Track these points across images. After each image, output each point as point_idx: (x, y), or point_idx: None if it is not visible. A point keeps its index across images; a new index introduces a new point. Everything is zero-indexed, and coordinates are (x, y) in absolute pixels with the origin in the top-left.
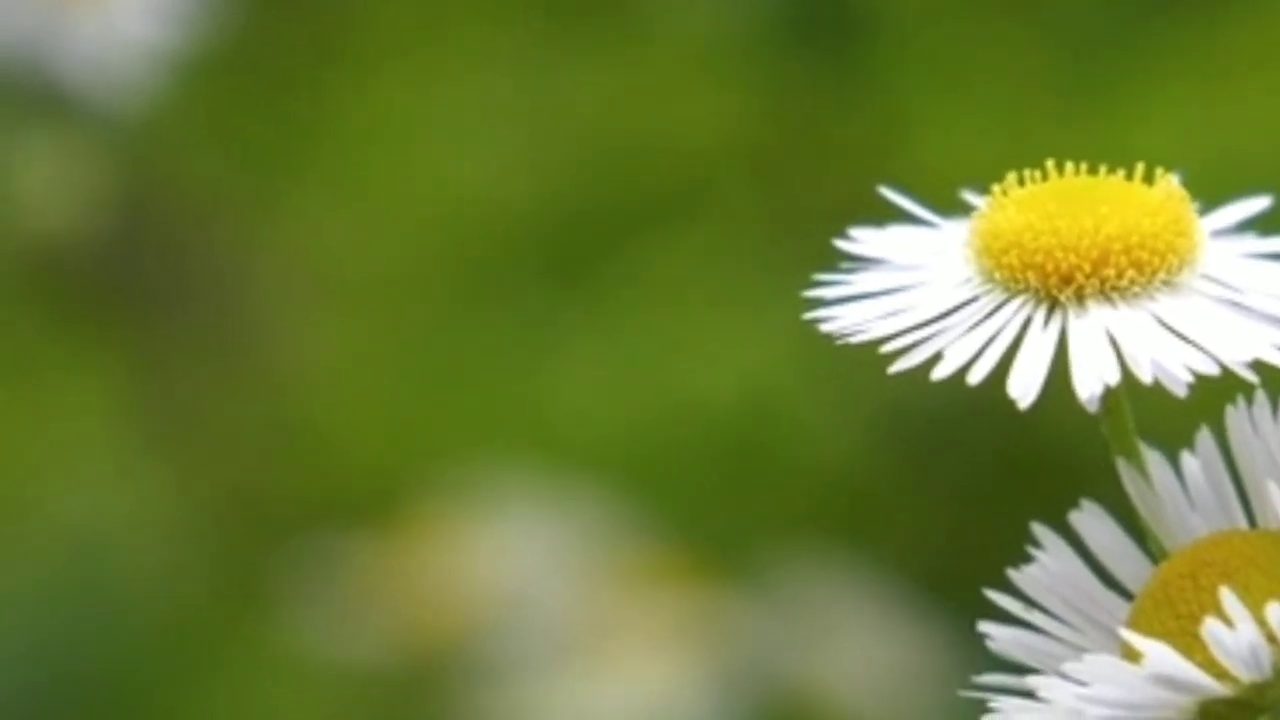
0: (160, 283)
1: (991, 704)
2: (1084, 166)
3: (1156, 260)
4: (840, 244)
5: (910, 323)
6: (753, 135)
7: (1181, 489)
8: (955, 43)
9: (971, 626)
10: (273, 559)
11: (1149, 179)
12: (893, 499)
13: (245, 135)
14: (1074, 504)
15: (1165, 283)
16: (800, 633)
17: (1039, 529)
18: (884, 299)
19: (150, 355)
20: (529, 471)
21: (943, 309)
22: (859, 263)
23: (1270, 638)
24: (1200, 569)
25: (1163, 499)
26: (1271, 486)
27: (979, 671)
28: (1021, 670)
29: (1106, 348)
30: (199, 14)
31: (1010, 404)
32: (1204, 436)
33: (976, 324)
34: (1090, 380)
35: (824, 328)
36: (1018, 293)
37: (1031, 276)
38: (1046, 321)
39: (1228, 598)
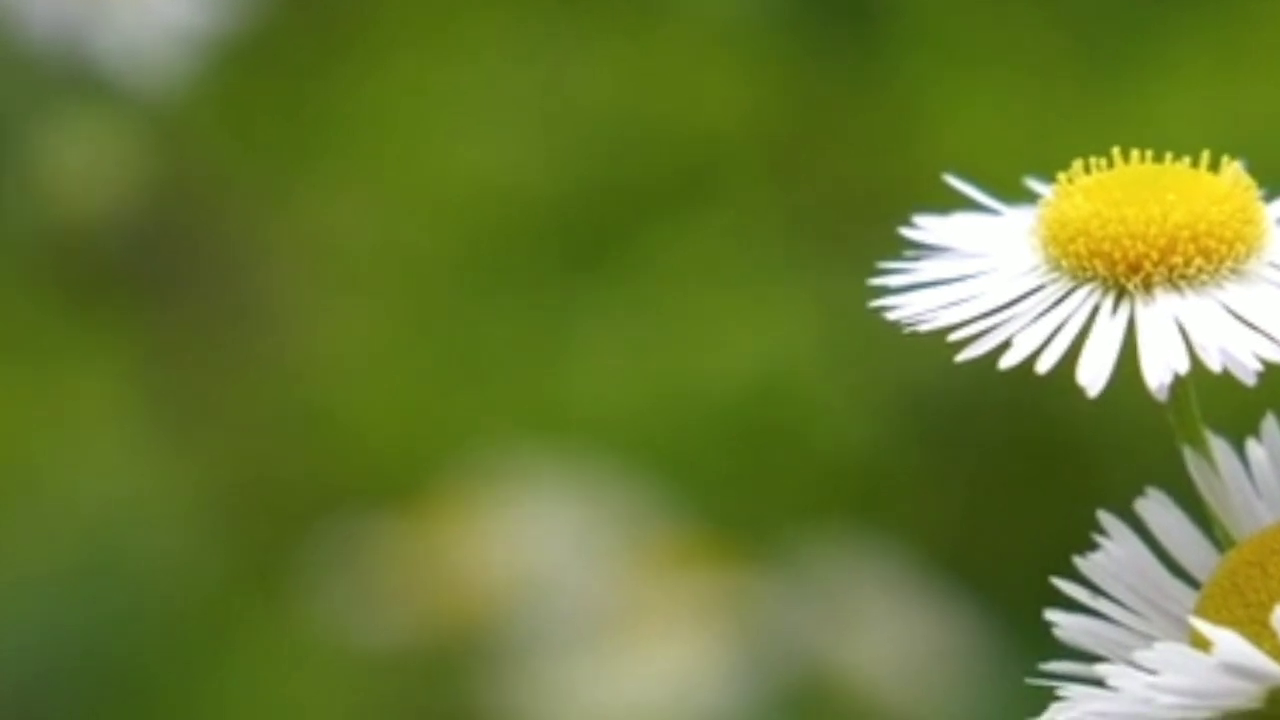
0: (178, 268)
1: (1060, 692)
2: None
3: (1224, 248)
4: (904, 231)
5: (977, 311)
6: (769, 119)
7: (1248, 477)
8: (972, 26)
9: (988, 606)
10: (291, 543)
11: (1212, 166)
12: (909, 481)
13: (261, 122)
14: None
15: (1232, 270)
16: (822, 614)
17: (1105, 517)
18: (950, 287)
19: (168, 340)
20: (550, 455)
21: (1009, 297)
22: (923, 250)
23: None
24: (1268, 557)
25: (1229, 487)
26: None
27: (999, 650)
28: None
29: (1175, 336)
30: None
31: (1024, 387)
32: (1270, 425)
33: (1044, 312)
34: (1160, 369)
35: (889, 316)
36: (1084, 281)
37: (1099, 265)
38: (1114, 310)
39: None
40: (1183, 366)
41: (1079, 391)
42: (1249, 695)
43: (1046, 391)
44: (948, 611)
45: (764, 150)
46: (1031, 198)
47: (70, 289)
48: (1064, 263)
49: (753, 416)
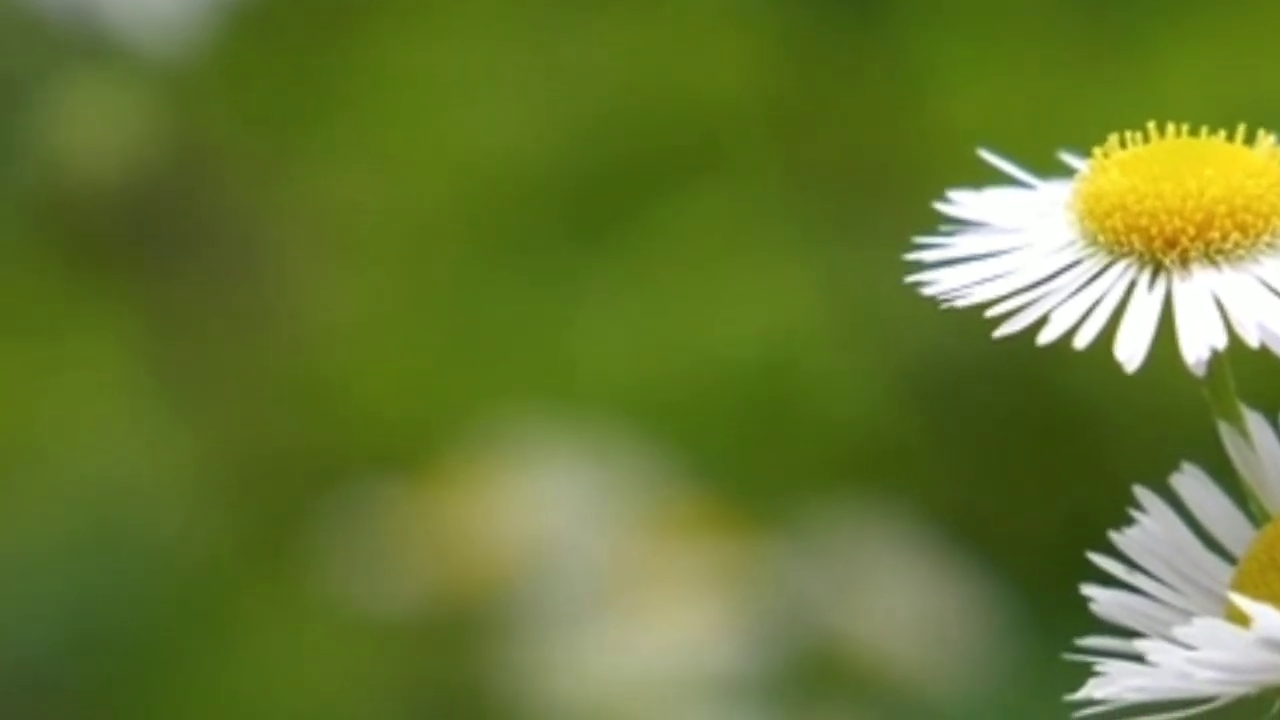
0: (183, 236)
1: (1098, 668)
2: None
3: (1261, 223)
4: (938, 206)
5: (1014, 286)
6: (775, 89)
7: None
8: None
9: (997, 572)
10: (299, 514)
11: (1248, 139)
12: (917, 448)
13: (267, 89)
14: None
15: (1269, 245)
16: (831, 581)
17: (1141, 491)
18: (986, 262)
19: (173, 309)
20: (558, 423)
21: (1047, 272)
22: (958, 225)
23: None
24: None
25: (1264, 461)
26: None
27: (1008, 616)
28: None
29: (1213, 311)
30: None
31: (1029, 356)
32: None
33: (1081, 287)
34: (1198, 344)
35: (925, 291)
36: (1121, 256)
37: (1136, 240)
38: (1150, 285)
39: None
40: (1221, 342)
41: (1083, 359)
42: None
43: (1051, 361)
44: (956, 578)
45: (770, 121)
46: (1046, 170)
47: (75, 257)
48: (1101, 238)
49: (760, 384)
